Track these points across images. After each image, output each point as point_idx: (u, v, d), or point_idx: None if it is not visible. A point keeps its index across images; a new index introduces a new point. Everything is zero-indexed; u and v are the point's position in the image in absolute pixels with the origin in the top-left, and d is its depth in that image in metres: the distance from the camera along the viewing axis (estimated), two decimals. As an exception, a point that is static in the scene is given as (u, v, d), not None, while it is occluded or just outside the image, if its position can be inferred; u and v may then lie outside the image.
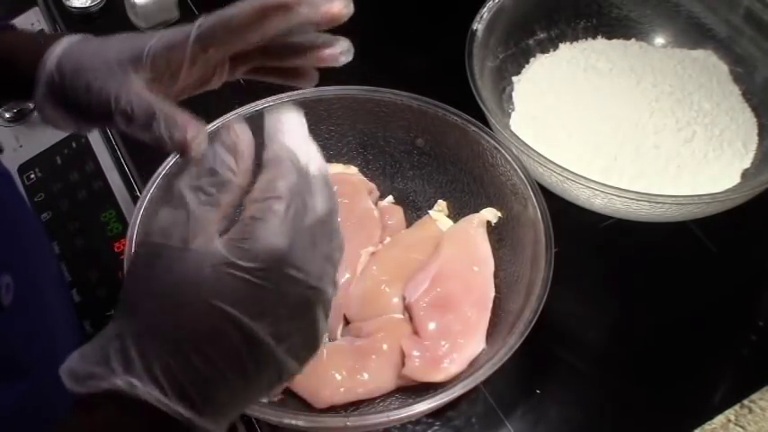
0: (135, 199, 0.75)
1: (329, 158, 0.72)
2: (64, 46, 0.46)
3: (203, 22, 0.43)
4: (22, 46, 0.48)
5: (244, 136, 0.37)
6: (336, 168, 0.71)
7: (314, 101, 0.68)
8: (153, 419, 0.33)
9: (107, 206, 0.76)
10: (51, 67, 0.45)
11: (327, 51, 0.47)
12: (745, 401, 0.62)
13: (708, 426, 0.61)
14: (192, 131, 0.39)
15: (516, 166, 0.63)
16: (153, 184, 0.61)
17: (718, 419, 0.61)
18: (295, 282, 0.35)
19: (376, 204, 0.71)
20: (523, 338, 0.54)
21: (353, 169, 0.72)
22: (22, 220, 0.51)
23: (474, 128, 0.66)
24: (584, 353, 0.66)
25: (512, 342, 0.54)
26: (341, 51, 0.47)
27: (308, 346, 0.37)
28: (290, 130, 0.38)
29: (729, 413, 0.61)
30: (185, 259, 0.35)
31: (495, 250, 0.65)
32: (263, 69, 0.50)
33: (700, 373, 0.65)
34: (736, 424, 0.61)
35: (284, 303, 0.35)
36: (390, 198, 0.72)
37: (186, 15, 0.93)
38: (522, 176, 0.62)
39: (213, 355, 0.34)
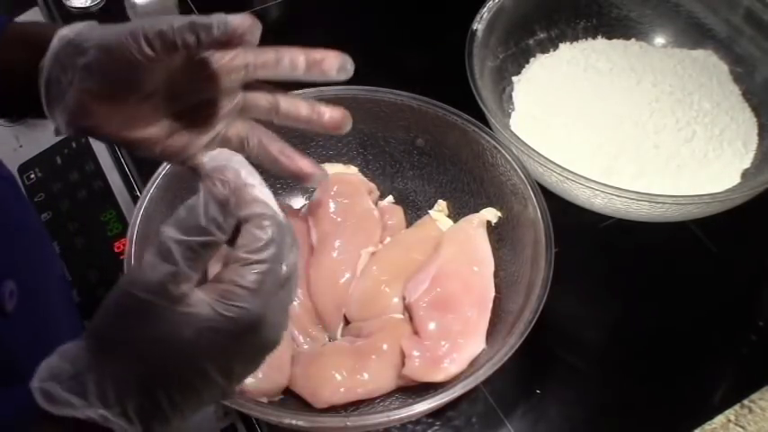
0: (135, 199, 0.75)
1: (329, 158, 0.72)
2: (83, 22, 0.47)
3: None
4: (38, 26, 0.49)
5: (237, 184, 0.39)
6: (336, 168, 0.71)
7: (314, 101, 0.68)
8: None
9: (107, 206, 0.76)
10: (75, 27, 0.46)
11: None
12: (745, 401, 0.62)
13: (708, 426, 0.61)
14: (243, 21, 0.42)
15: (516, 166, 0.63)
16: (153, 185, 0.61)
17: (719, 419, 0.61)
18: (260, 336, 0.39)
19: (376, 204, 0.71)
20: (523, 338, 0.54)
21: (353, 169, 0.72)
22: (25, 223, 0.51)
23: (474, 128, 0.66)
24: (585, 353, 0.66)
25: (512, 342, 0.54)
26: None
27: (248, 374, 0.41)
28: (253, 179, 0.39)
29: (729, 413, 0.61)
30: (171, 319, 0.37)
31: (495, 250, 0.65)
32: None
33: (700, 373, 0.65)
34: (736, 424, 0.61)
35: (246, 352, 0.40)
36: (390, 198, 0.72)
37: (186, 15, 0.93)
38: (522, 176, 0.62)
39: (180, 400, 0.38)
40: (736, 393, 0.62)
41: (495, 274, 0.64)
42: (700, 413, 0.61)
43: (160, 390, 0.38)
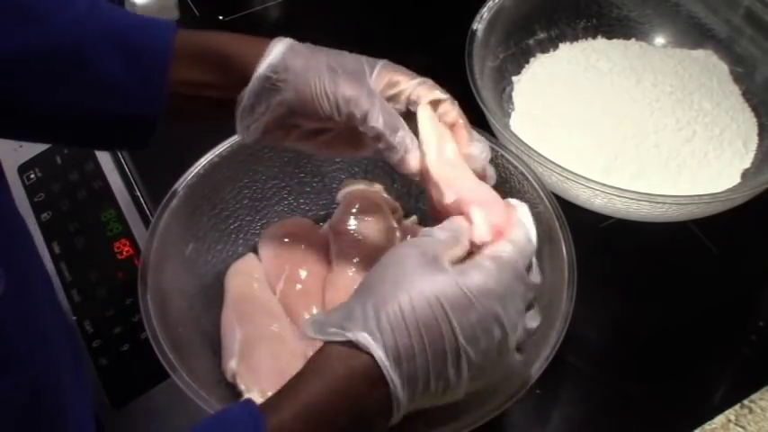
0: (135, 199, 0.75)
1: (354, 176, 0.71)
2: (280, 48, 0.52)
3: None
4: (236, 45, 0.54)
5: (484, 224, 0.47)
6: (360, 186, 0.69)
7: None
8: (369, 373, 0.42)
9: (107, 206, 0.76)
10: (274, 62, 0.52)
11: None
12: (745, 401, 0.62)
13: (708, 426, 0.61)
14: (416, 158, 0.51)
15: (543, 195, 0.61)
16: (174, 196, 0.60)
17: (719, 419, 0.61)
18: (496, 317, 0.43)
19: (399, 223, 0.69)
20: (540, 373, 0.52)
21: (378, 187, 0.70)
22: (5, 207, 0.50)
23: (501, 151, 0.64)
24: (585, 353, 0.66)
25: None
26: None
27: (487, 371, 0.45)
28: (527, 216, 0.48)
29: (729, 413, 0.61)
30: (424, 268, 0.44)
31: None
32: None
33: (700, 373, 0.65)
34: (736, 424, 0.61)
35: (483, 327, 0.43)
36: (414, 218, 0.70)
37: (186, 15, 0.93)
38: (548, 205, 0.60)
39: (425, 339, 0.42)
40: (736, 393, 0.62)
41: None
42: (700, 413, 0.61)
43: (409, 323, 0.42)
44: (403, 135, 0.51)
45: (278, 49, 0.52)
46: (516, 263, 0.45)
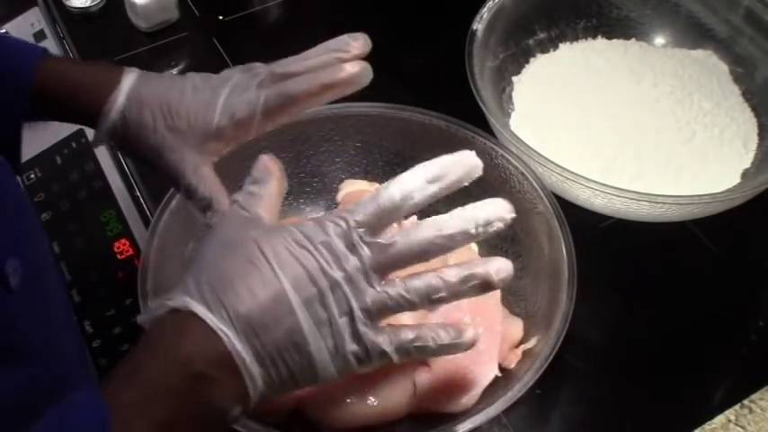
0: (135, 199, 0.75)
1: (354, 176, 0.71)
2: (125, 95, 0.52)
3: (267, 97, 0.51)
4: (81, 84, 0.54)
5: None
6: (360, 185, 0.69)
7: (342, 116, 0.67)
8: (200, 332, 0.40)
9: (107, 206, 0.76)
10: (114, 121, 0.52)
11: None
12: (745, 401, 0.62)
13: (708, 426, 0.61)
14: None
15: (543, 195, 0.61)
16: (174, 197, 0.60)
17: (719, 419, 0.61)
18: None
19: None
20: (540, 373, 0.53)
21: (378, 187, 0.69)
22: (19, 202, 0.51)
23: (502, 152, 0.64)
24: (584, 353, 0.66)
25: (527, 379, 0.53)
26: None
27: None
28: None
29: (729, 413, 0.61)
30: (234, 223, 0.44)
31: (518, 279, 0.64)
32: None
33: (700, 373, 0.65)
34: (736, 424, 0.61)
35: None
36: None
37: (186, 15, 0.93)
38: (548, 205, 0.61)
39: (247, 283, 0.40)
40: (736, 393, 0.62)
41: (516, 304, 0.63)
42: (700, 413, 0.61)
43: (231, 274, 0.41)
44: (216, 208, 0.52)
45: (118, 106, 0.52)
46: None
